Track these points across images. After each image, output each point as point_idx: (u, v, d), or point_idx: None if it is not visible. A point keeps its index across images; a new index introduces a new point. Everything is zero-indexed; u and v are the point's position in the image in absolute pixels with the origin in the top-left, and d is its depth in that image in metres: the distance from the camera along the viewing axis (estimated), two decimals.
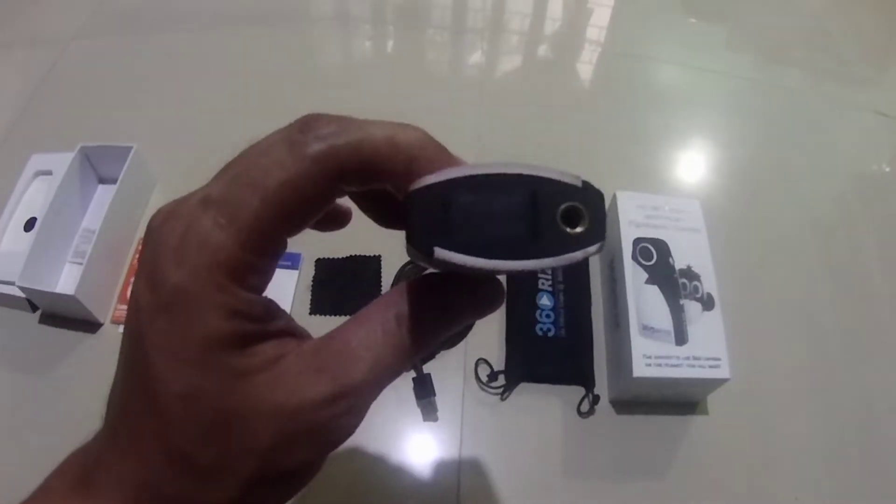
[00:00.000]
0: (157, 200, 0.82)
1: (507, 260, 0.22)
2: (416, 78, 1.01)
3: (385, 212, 0.28)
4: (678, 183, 0.89)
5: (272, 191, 0.21)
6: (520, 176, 0.22)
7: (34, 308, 0.75)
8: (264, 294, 0.23)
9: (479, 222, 0.22)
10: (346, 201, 0.28)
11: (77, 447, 0.25)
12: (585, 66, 1.07)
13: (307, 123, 0.22)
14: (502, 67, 1.04)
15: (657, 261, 0.68)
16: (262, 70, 1.00)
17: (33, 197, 0.80)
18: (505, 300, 0.26)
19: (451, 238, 0.21)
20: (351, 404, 0.23)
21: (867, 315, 0.78)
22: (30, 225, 0.78)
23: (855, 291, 0.80)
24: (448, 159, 0.24)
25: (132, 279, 0.75)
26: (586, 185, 0.22)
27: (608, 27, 1.12)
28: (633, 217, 0.71)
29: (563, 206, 0.22)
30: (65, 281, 0.76)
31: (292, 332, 0.24)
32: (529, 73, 1.05)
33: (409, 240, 0.22)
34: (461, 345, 0.71)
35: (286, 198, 0.21)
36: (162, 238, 0.21)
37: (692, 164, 0.92)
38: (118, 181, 0.75)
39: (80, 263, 0.74)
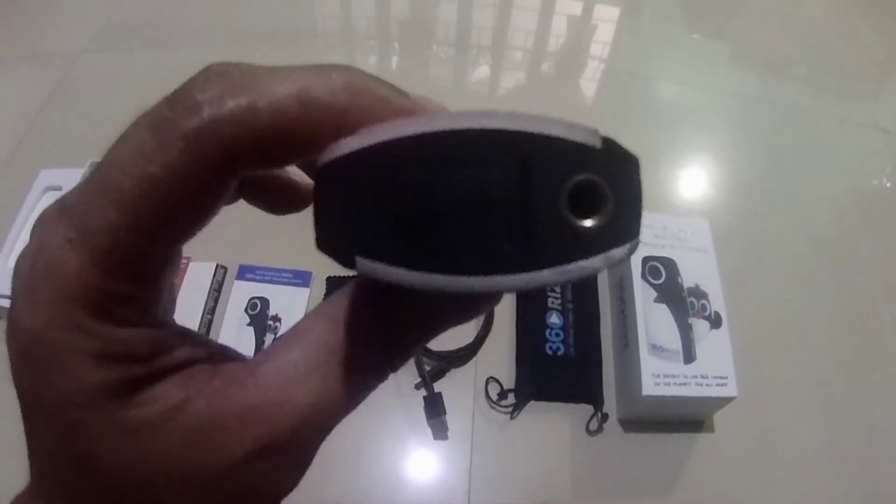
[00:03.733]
0: None
1: (478, 276, 0.14)
2: (422, 93, 1.02)
3: None
4: (683, 201, 0.90)
5: (130, 193, 0.15)
6: (500, 133, 0.14)
7: None
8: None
9: (431, 214, 0.14)
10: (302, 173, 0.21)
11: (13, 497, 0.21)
12: (589, 83, 1.07)
13: (179, 91, 0.16)
14: (506, 84, 1.05)
15: (666, 279, 0.69)
16: None
17: None
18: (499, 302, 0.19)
19: (382, 241, 0.14)
20: (285, 458, 0.17)
21: (873, 333, 0.79)
22: None
23: (861, 309, 0.80)
24: (400, 104, 0.17)
25: None
26: (609, 146, 0.14)
27: (612, 43, 1.13)
28: (644, 237, 0.71)
29: (570, 182, 0.14)
30: None
31: (202, 360, 0.18)
32: (534, 89, 1.05)
33: (317, 241, 0.15)
34: (471, 363, 0.71)
35: (150, 202, 0.15)
36: (17, 263, 0.16)
37: (697, 182, 0.93)
38: None
39: None
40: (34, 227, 0.16)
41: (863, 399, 0.73)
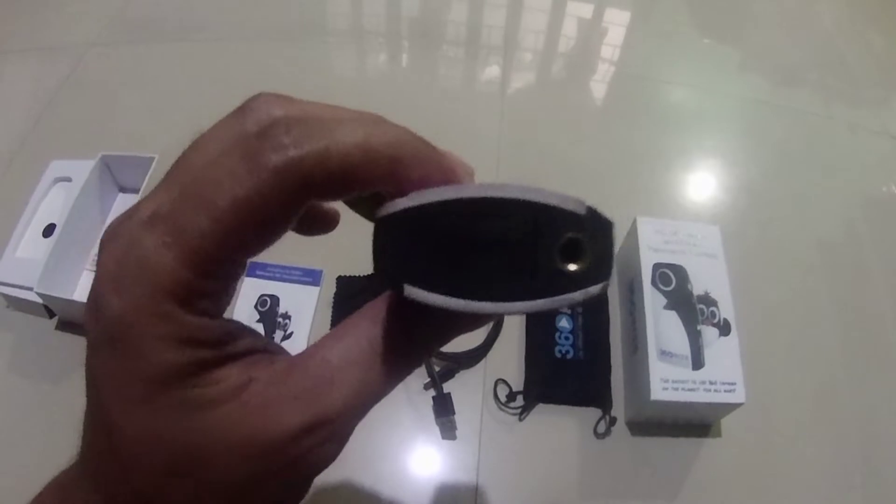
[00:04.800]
0: None
1: (493, 301, 0.19)
2: (431, 93, 1.02)
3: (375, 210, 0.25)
4: (693, 206, 0.90)
5: (224, 210, 0.18)
6: (512, 201, 0.19)
7: (51, 314, 0.75)
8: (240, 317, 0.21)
9: (461, 257, 0.19)
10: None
11: (52, 478, 0.24)
12: (599, 85, 1.08)
13: (266, 128, 0.19)
14: (516, 84, 1.04)
15: (676, 286, 0.69)
16: (279, 83, 0.99)
17: (52, 203, 0.80)
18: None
19: (425, 274, 0.19)
20: (331, 433, 0.21)
21: (881, 341, 0.79)
22: (48, 231, 0.78)
23: (870, 316, 0.81)
24: (436, 159, 0.21)
25: None
26: (591, 214, 0.19)
27: (622, 46, 1.13)
28: (652, 242, 0.72)
29: (563, 239, 0.19)
30: (83, 289, 0.76)
31: (261, 350, 0.22)
32: (544, 90, 1.05)
33: (377, 273, 0.20)
34: (481, 365, 0.71)
35: (240, 218, 0.18)
36: (102, 261, 0.19)
37: (707, 188, 0.93)
38: (140, 192, 0.76)
39: None
40: (109, 234, 0.20)
41: (870, 406, 0.74)
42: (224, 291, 0.21)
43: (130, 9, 1.11)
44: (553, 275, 0.19)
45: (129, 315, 0.18)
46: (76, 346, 0.73)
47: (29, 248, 0.77)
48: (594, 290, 0.19)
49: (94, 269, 0.69)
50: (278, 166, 0.18)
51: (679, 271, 0.70)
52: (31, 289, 0.69)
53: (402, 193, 0.20)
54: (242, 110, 0.20)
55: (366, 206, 0.24)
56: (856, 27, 1.20)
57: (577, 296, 0.19)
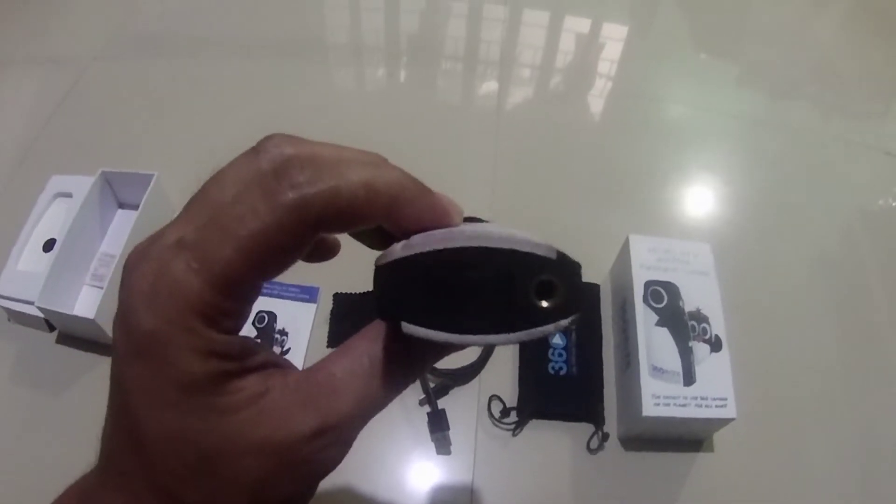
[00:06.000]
0: None
1: (478, 335, 0.22)
2: (429, 108, 1.03)
3: (376, 239, 0.27)
4: (687, 223, 0.90)
5: (246, 240, 0.21)
6: (492, 250, 0.21)
7: (51, 328, 0.76)
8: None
9: (449, 297, 0.22)
10: None
11: (74, 480, 0.26)
12: (596, 100, 1.08)
13: (282, 167, 0.21)
14: (514, 100, 1.05)
15: (667, 303, 0.70)
16: (278, 98, 1.01)
17: (52, 218, 0.81)
18: None
19: (419, 312, 0.22)
20: (337, 437, 0.23)
21: (875, 355, 0.79)
22: (49, 246, 0.79)
23: (863, 332, 0.81)
24: (429, 199, 0.24)
25: None
26: (561, 258, 0.22)
27: (619, 61, 1.14)
28: (644, 260, 0.73)
29: (536, 280, 0.21)
30: (82, 303, 0.77)
31: (275, 364, 0.24)
32: (541, 105, 1.06)
33: (377, 312, 0.23)
34: (475, 381, 0.72)
35: (259, 247, 0.21)
36: (134, 281, 0.21)
37: (702, 205, 0.93)
38: (139, 209, 0.77)
39: (98, 287, 0.75)
40: (136, 257, 0.22)
41: (864, 420, 0.74)
42: (243, 311, 0.23)
43: (133, 24, 1.12)
44: (529, 310, 0.21)
45: (162, 330, 0.21)
46: (76, 360, 0.74)
47: (30, 262, 0.78)
48: (564, 322, 0.22)
49: (94, 283, 0.70)
50: (293, 204, 0.21)
51: (671, 288, 0.71)
52: (32, 303, 0.70)
53: (400, 228, 0.24)
54: (257, 150, 0.22)
55: (367, 237, 0.27)
56: (852, 43, 1.20)
57: (550, 328, 0.22)
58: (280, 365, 0.25)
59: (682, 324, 0.69)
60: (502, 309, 0.21)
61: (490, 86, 1.06)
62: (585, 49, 1.16)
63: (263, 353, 0.24)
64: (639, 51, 1.16)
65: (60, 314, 0.71)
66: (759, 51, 1.19)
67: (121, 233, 0.78)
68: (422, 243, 0.22)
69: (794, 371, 0.77)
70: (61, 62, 1.04)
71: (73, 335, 0.76)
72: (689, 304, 0.70)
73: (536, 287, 0.21)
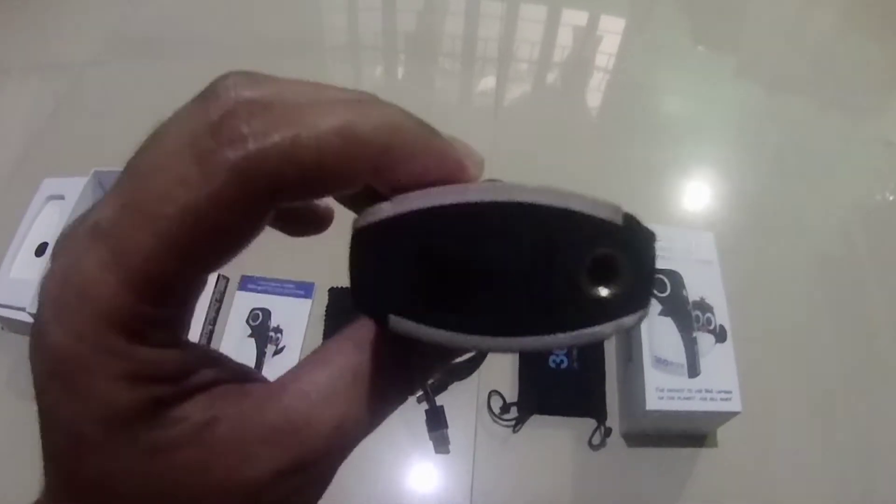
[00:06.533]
0: None
1: (500, 336, 0.15)
2: (427, 105, 1.02)
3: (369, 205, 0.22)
4: (688, 214, 0.89)
5: (170, 222, 0.15)
6: (528, 206, 0.15)
7: None
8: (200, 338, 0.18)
9: (459, 277, 0.15)
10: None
11: None
12: (595, 94, 1.07)
13: (221, 118, 0.15)
14: (512, 95, 1.04)
15: (671, 293, 0.68)
16: None
17: (45, 222, 0.80)
18: None
19: (414, 301, 0.15)
20: (309, 478, 0.18)
21: (878, 347, 0.78)
22: (41, 250, 0.78)
23: (865, 324, 0.80)
24: (437, 148, 0.18)
25: None
26: (629, 222, 0.15)
27: (617, 55, 1.13)
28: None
29: (592, 255, 0.15)
30: None
31: (228, 380, 0.18)
32: (540, 100, 1.05)
33: (354, 300, 0.16)
34: (474, 376, 0.71)
35: (190, 231, 0.15)
36: (45, 280, 0.16)
37: (702, 195, 0.92)
38: None
39: None
40: (57, 246, 0.17)
41: (866, 414, 0.73)
42: (180, 315, 0.17)
43: (127, 26, 1.11)
44: (578, 301, 0.15)
45: (72, 348, 0.16)
46: None
47: (22, 268, 0.77)
48: (628, 321, 0.15)
49: None
50: (236, 164, 0.15)
51: (674, 277, 0.69)
52: (23, 309, 0.69)
53: (395, 189, 0.17)
54: (206, 95, 0.17)
55: (354, 202, 0.20)
56: (851, 35, 1.19)
57: (608, 329, 0.15)
58: (237, 380, 0.18)
59: (685, 313, 0.67)
60: (538, 297, 0.15)
61: (488, 82, 1.05)
62: (583, 43, 1.15)
63: (213, 368, 0.18)
64: (637, 44, 1.15)
65: None
66: (757, 43, 1.18)
67: None
68: (420, 198, 0.15)
69: (798, 363, 0.76)
70: (56, 67, 1.04)
71: None
72: (693, 293, 0.68)
73: (591, 265, 0.15)
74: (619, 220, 0.15)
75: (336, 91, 0.17)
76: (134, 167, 0.16)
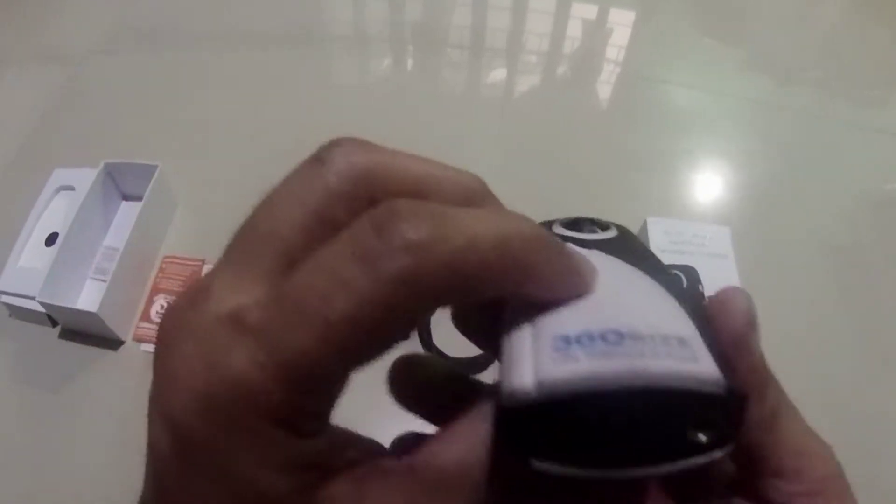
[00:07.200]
0: (179, 219, 0.81)
1: (618, 468, 0.18)
2: (435, 97, 1.02)
3: (476, 322, 0.22)
4: (700, 207, 0.89)
5: (334, 328, 0.15)
6: (653, 390, 0.17)
7: (54, 323, 0.75)
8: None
9: (589, 434, 0.18)
10: None
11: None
12: (604, 87, 1.07)
13: (385, 220, 0.15)
14: (521, 88, 1.04)
15: (687, 288, 0.68)
16: (282, 89, 0.99)
17: (55, 212, 0.80)
18: None
19: (551, 450, 0.18)
20: None
21: (888, 341, 0.78)
22: (51, 240, 0.77)
23: (879, 316, 0.80)
24: (565, 262, 0.18)
25: (154, 298, 0.75)
26: (730, 393, 0.18)
27: (626, 47, 1.12)
28: (661, 243, 0.71)
29: (696, 419, 0.18)
30: (86, 297, 0.75)
31: (365, 458, 0.19)
32: (549, 93, 1.05)
33: (503, 447, 0.18)
34: (488, 373, 0.70)
35: (355, 336, 0.15)
36: (178, 366, 0.16)
37: (713, 189, 0.92)
38: (143, 200, 0.75)
39: (102, 280, 0.73)
40: (175, 321, 0.17)
41: (877, 407, 0.72)
42: (329, 406, 0.18)
43: (131, 16, 1.10)
44: (681, 442, 0.18)
45: (224, 439, 0.16)
46: (79, 355, 0.73)
47: (31, 257, 0.77)
48: (718, 454, 0.18)
49: (98, 277, 0.68)
50: (405, 274, 0.15)
51: (690, 272, 0.69)
52: (33, 298, 0.69)
53: (520, 299, 0.19)
54: (319, 160, 0.17)
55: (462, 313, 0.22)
56: (859, 26, 1.19)
57: (701, 460, 0.18)
58: (371, 455, 0.19)
59: (701, 309, 0.67)
60: (651, 441, 0.18)
61: (497, 74, 1.05)
62: (592, 35, 1.14)
63: (351, 447, 0.19)
64: (646, 36, 1.14)
65: (62, 308, 0.70)
66: (765, 35, 1.17)
67: (124, 225, 0.76)
68: (558, 377, 0.17)
69: (811, 356, 0.75)
70: (61, 56, 1.03)
71: (76, 330, 0.74)
72: (709, 288, 0.68)
73: (694, 424, 0.18)
74: (722, 392, 0.17)
75: (454, 172, 0.18)
76: (261, 244, 0.17)
